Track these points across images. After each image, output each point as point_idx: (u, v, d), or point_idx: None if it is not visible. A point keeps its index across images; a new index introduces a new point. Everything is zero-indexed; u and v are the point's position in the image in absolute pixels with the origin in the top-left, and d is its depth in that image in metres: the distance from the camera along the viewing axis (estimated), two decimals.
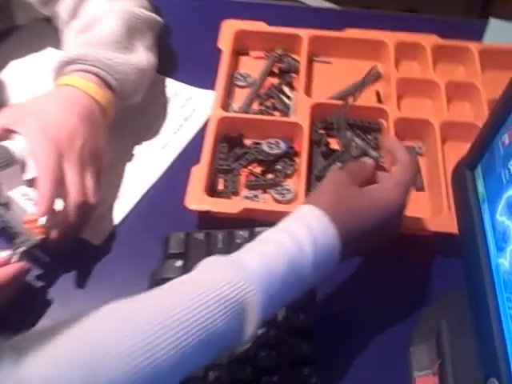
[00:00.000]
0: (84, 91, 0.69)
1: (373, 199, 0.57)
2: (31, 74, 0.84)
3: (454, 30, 0.91)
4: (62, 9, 0.79)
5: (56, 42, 0.82)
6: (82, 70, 0.70)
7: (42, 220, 0.62)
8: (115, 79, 0.72)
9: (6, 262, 0.61)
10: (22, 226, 0.63)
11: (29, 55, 0.87)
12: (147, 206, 0.74)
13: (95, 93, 0.70)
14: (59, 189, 0.61)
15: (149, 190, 0.75)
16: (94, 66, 0.71)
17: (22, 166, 0.62)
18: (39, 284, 0.66)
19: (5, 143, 0.62)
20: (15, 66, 0.85)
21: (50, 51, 0.87)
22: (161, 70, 0.83)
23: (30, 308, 0.64)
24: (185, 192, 0.70)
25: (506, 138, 0.52)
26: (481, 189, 0.56)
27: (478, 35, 0.91)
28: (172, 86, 0.86)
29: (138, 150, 0.78)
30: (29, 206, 0.67)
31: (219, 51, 0.86)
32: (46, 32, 0.86)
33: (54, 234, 0.64)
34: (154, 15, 0.82)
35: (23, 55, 0.87)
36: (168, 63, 0.87)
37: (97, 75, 0.71)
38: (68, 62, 0.71)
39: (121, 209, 0.73)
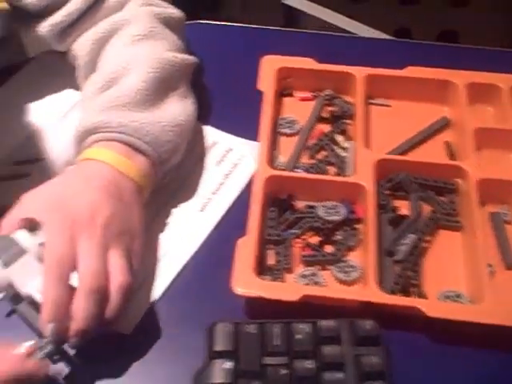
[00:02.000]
0: (108, 164, 0.59)
1: None
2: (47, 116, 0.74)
3: None
4: (79, 52, 0.69)
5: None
6: (105, 140, 0.60)
7: (50, 326, 0.50)
8: (145, 143, 0.61)
9: (29, 354, 0.50)
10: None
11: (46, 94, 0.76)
12: (183, 287, 0.62)
13: (120, 163, 0.59)
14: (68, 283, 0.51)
15: (184, 266, 0.63)
16: (119, 133, 0.60)
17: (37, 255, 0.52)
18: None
19: (12, 234, 0.53)
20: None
21: (69, 93, 0.75)
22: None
23: None
24: (227, 268, 0.59)
25: None
26: None
27: None
28: (209, 134, 0.74)
29: (170, 213, 0.67)
30: None
31: (257, 91, 0.74)
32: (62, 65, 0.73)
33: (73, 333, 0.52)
34: (188, 57, 0.70)
35: (38, 91, 0.75)
36: (202, 107, 0.74)
37: (124, 143, 0.60)
38: (88, 132, 0.61)
39: (151, 290, 0.61)
